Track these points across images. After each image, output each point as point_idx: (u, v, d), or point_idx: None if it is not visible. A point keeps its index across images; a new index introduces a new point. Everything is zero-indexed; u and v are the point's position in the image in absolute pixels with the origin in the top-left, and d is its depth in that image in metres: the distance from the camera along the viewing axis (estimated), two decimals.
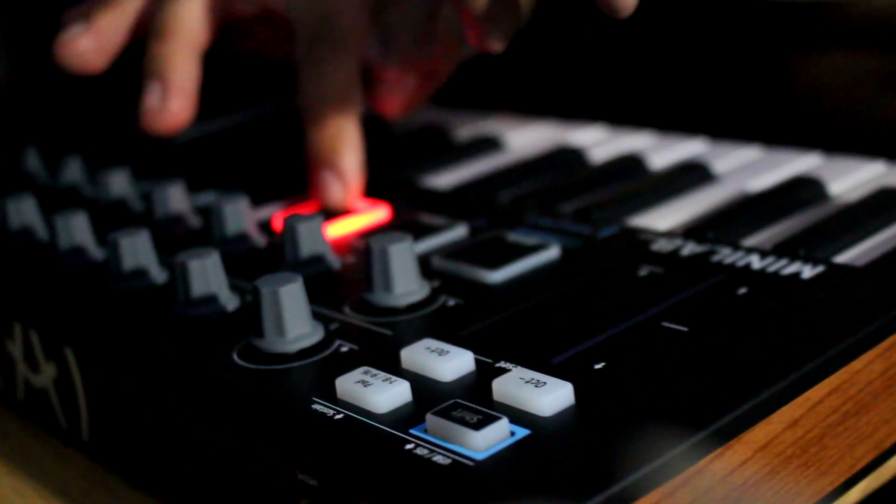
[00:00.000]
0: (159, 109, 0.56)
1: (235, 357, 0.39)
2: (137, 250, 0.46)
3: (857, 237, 0.44)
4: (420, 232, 0.47)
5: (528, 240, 0.46)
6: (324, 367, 0.38)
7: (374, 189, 0.54)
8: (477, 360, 0.37)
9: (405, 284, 0.41)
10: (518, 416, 0.33)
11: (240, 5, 0.59)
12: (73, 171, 0.62)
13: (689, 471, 0.31)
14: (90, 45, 0.59)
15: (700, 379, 0.34)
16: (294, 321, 0.39)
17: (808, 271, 0.40)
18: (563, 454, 0.31)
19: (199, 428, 0.38)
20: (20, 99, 0.90)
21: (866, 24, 0.66)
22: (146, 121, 0.56)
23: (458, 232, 0.48)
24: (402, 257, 0.41)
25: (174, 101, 0.56)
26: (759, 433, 0.33)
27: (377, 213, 0.52)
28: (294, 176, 0.58)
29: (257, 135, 0.68)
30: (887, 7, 0.65)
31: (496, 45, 0.46)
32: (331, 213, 0.52)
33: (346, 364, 0.37)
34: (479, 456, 0.31)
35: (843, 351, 0.35)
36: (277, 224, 0.51)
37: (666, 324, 0.38)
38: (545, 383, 0.34)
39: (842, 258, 0.42)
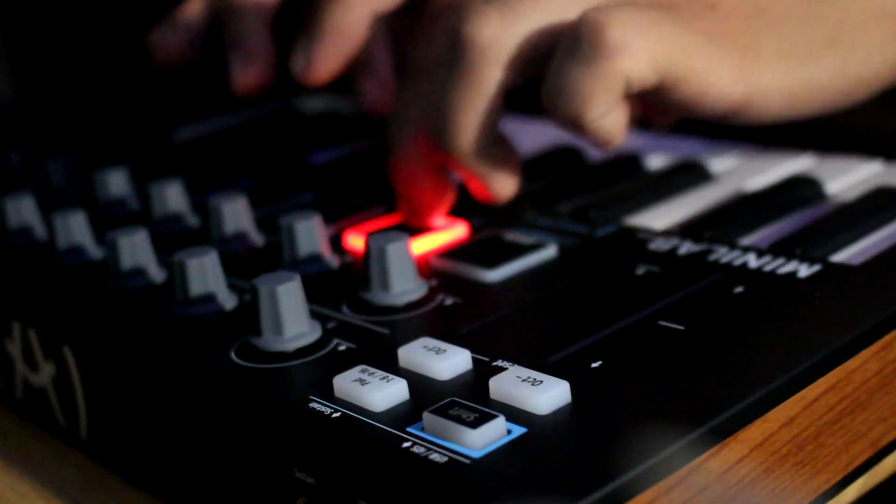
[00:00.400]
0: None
1: (233, 356, 0.39)
2: (136, 249, 0.46)
3: (854, 236, 0.44)
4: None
5: (526, 239, 0.46)
6: (321, 365, 0.38)
7: (371, 188, 0.54)
8: (474, 359, 0.37)
9: (403, 283, 0.41)
10: (515, 415, 0.33)
11: None
12: (72, 170, 0.62)
13: (685, 468, 0.31)
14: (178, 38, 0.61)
15: (696, 377, 0.34)
16: (292, 320, 0.39)
17: (804, 270, 0.41)
18: (560, 452, 0.31)
19: (198, 426, 0.38)
20: (20, 98, 0.90)
21: None
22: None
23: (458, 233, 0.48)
24: (400, 256, 0.41)
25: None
26: (755, 431, 0.33)
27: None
28: (293, 175, 0.59)
29: (257, 135, 0.68)
30: None
31: (501, 198, 0.47)
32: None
33: (344, 362, 0.37)
34: (476, 454, 0.31)
35: (838, 349, 0.35)
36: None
37: (663, 322, 0.38)
38: (542, 382, 0.34)
39: (838, 257, 0.42)
